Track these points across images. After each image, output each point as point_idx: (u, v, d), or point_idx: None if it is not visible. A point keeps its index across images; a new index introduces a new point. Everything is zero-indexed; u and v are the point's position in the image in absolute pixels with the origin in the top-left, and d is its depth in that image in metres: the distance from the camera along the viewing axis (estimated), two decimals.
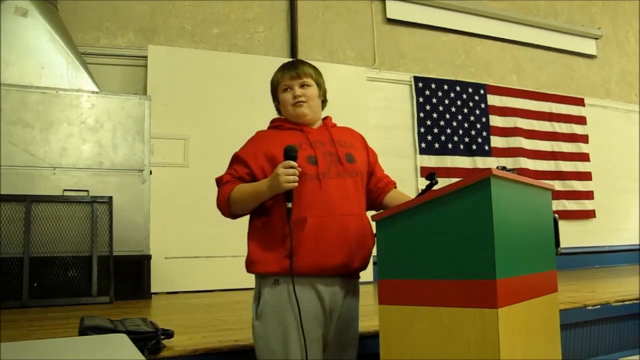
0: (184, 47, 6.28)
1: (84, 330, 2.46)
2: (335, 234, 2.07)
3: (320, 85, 2.32)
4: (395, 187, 2.46)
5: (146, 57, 5.92)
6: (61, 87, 4.99)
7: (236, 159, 2.23)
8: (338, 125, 2.43)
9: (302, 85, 2.24)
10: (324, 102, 2.38)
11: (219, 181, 2.20)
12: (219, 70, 6.10)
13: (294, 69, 2.27)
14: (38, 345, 1.48)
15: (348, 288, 2.18)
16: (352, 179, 2.17)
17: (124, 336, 1.67)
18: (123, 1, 6.14)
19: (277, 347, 2.01)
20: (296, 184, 2.00)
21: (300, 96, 2.22)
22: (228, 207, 2.16)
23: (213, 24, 6.56)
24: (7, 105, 4.74)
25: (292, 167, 2.00)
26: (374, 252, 2.10)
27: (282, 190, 2.00)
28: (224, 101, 5.99)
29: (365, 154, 2.37)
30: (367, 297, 4.96)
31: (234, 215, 2.20)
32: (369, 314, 3.74)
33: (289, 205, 2.02)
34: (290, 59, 6.67)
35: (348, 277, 2.17)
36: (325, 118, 2.39)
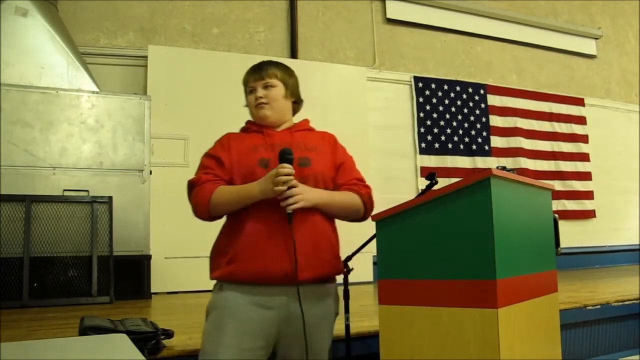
0: (184, 47, 6.28)
1: (84, 330, 2.46)
2: (279, 240, 1.93)
3: (289, 86, 2.20)
4: (357, 192, 2.16)
5: (146, 57, 5.92)
6: (61, 87, 5.00)
7: (209, 157, 2.13)
8: (317, 129, 2.30)
9: (266, 87, 2.15)
10: (296, 102, 2.26)
11: (196, 182, 2.06)
12: (219, 70, 6.10)
13: (258, 70, 2.18)
14: (38, 345, 1.48)
15: (305, 298, 1.93)
16: (304, 184, 1.99)
17: (124, 336, 1.67)
18: (123, 1, 6.14)
19: (211, 349, 1.93)
20: (284, 188, 1.90)
21: (261, 97, 2.14)
22: (207, 208, 2.02)
23: (213, 24, 6.56)
24: (7, 105, 4.74)
25: (287, 172, 1.91)
26: (374, 252, 2.10)
27: (273, 195, 1.91)
28: (224, 101, 5.98)
29: (330, 158, 2.16)
30: (367, 297, 4.98)
31: (212, 217, 2.07)
32: (369, 314, 3.75)
33: (289, 210, 1.91)
34: (291, 59, 6.70)
35: (305, 285, 1.95)
36: (302, 121, 2.27)
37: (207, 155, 2.15)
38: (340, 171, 2.16)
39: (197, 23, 6.47)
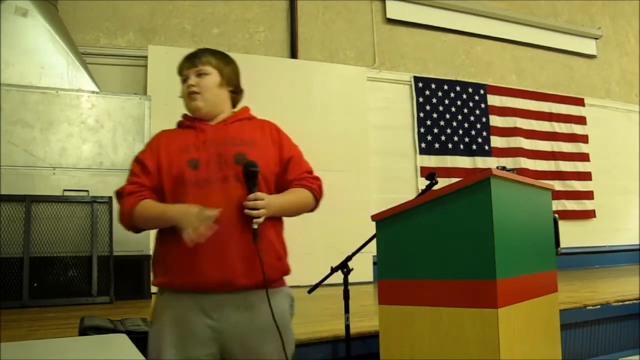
0: (184, 47, 6.27)
1: (84, 330, 2.46)
2: (209, 246, 1.78)
3: (224, 73, 2.02)
4: (309, 188, 2.03)
5: (146, 57, 5.92)
6: (61, 87, 4.99)
7: (137, 162, 1.97)
8: (259, 117, 2.13)
9: (199, 74, 1.98)
10: (235, 92, 2.08)
11: (120, 193, 1.92)
12: None
13: (191, 58, 2.02)
14: (38, 345, 1.48)
15: (248, 304, 1.84)
16: (240, 183, 1.85)
17: (124, 336, 1.67)
18: (123, 1, 6.14)
19: (152, 356, 1.83)
20: (201, 239, 1.73)
21: (193, 86, 1.97)
22: (130, 223, 1.90)
23: (213, 24, 6.55)
24: (7, 105, 4.74)
25: (252, 205, 1.79)
26: (374, 252, 2.10)
27: (194, 235, 1.74)
28: None
29: (273, 151, 1.99)
30: (367, 297, 4.98)
31: (138, 230, 1.95)
32: (369, 314, 3.75)
33: (254, 226, 1.79)
34: (291, 59, 6.69)
35: (246, 291, 1.84)
36: (240, 109, 2.11)
37: (135, 159, 1.99)
38: (289, 166, 2.01)
39: (197, 23, 6.47)
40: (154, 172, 1.91)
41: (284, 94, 6.36)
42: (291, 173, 2.00)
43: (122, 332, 2.35)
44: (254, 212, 1.79)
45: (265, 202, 1.81)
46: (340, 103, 6.70)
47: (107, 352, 1.54)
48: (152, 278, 1.94)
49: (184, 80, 2.01)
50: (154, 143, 2.00)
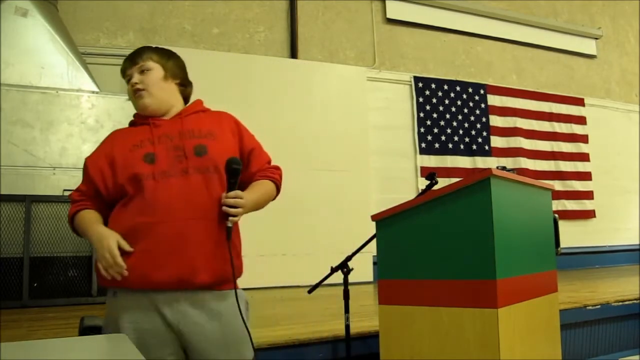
0: (184, 47, 6.27)
1: (84, 330, 2.46)
2: (166, 242, 1.73)
3: (167, 67, 1.97)
4: (272, 179, 2.02)
5: None
6: (61, 87, 4.99)
7: (85, 167, 1.94)
8: (213, 109, 2.09)
9: (142, 71, 1.92)
10: (183, 85, 2.03)
11: (70, 199, 1.92)
12: (219, 70, 6.10)
13: (132, 56, 1.96)
14: (38, 345, 1.48)
15: (205, 303, 1.80)
16: (201, 175, 1.81)
17: (124, 336, 1.67)
18: (123, 1, 6.14)
19: None
20: (108, 277, 1.71)
21: (137, 83, 1.90)
22: (74, 231, 1.90)
23: (213, 24, 6.55)
24: (7, 105, 4.74)
25: (233, 203, 1.77)
26: (374, 252, 2.10)
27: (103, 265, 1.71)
28: (225, 101, 5.96)
29: (233, 143, 1.96)
30: (367, 297, 4.98)
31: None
32: (369, 314, 3.75)
33: (228, 224, 1.76)
34: (291, 59, 6.69)
35: (205, 290, 1.80)
36: (193, 102, 2.06)
37: (85, 164, 1.95)
38: (251, 159, 1.99)
39: (197, 23, 6.47)
40: (107, 176, 1.85)
41: (284, 94, 6.36)
42: (254, 165, 1.99)
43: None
44: (233, 210, 1.77)
45: (244, 200, 1.79)
46: (340, 103, 6.70)
47: (107, 352, 1.54)
48: (98, 279, 1.83)
49: (128, 80, 1.94)
50: (107, 144, 1.95)
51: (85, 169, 1.93)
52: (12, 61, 4.85)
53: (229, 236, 1.76)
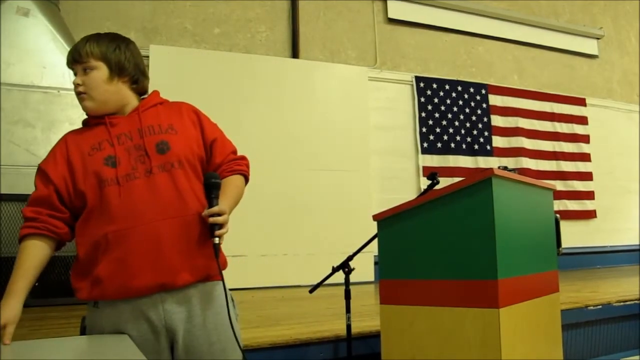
0: (185, 47, 6.28)
1: (84, 330, 2.46)
2: (141, 247, 1.66)
3: (113, 64, 1.78)
4: (241, 173, 1.94)
5: (148, 57, 5.92)
6: (63, 86, 4.99)
7: (40, 174, 1.79)
8: (170, 100, 1.97)
9: (85, 70, 1.76)
10: (135, 83, 1.85)
11: (23, 214, 1.77)
12: (220, 70, 6.10)
13: (73, 50, 1.77)
14: (39, 345, 1.48)
15: (191, 301, 1.75)
16: (166, 173, 1.73)
17: (125, 336, 1.67)
18: (124, 1, 6.14)
19: None
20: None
21: (79, 85, 1.77)
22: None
23: (214, 24, 6.55)
24: (8, 104, 4.74)
25: (222, 220, 1.70)
26: (375, 251, 2.09)
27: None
28: (226, 101, 5.99)
29: (195, 135, 1.87)
30: (368, 296, 4.97)
31: None
32: (370, 313, 3.75)
33: (216, 240, 1.69)
34: (292, 59, 6.69)
35: (188, 287, 1.75)
36: (149, 96, 1.91)
37: (41, 170, 1.79)
38: (214, 149, 1.89)
39: (198, 23, 6.47)
40: (68, 182, 1.73)
41: (285, 94, 6.36)
42: (217, 156, 1.89)
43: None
44: (223, 231, 1.70)
45: (227, 215, 1.72)
46: (341, 103, 6.70)
47: (108, 352, 1.53)
48: (76, 293, 1.74)
49: (75, 74, 1.79)
50: (60, 149, 1.81)
51: (43, 176, 1.77)
52: (13, 61, 4.86)
53: (217, 254, 1.69)
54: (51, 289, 4.55)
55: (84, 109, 1.81)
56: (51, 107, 4.91)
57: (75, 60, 1.76)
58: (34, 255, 1.72)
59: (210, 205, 1.71)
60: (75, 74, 1.79)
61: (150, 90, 1.94)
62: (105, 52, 1.77)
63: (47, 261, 1.74)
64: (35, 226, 1.72)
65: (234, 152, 1.96)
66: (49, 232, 1.73)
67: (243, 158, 1.97)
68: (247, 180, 1.97)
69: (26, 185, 4.69)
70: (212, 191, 1.72)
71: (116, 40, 1.82)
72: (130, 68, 1.81)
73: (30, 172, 4.70)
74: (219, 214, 1.69)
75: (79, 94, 1.79)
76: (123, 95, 1.82)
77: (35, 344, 1.50)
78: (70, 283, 1.78)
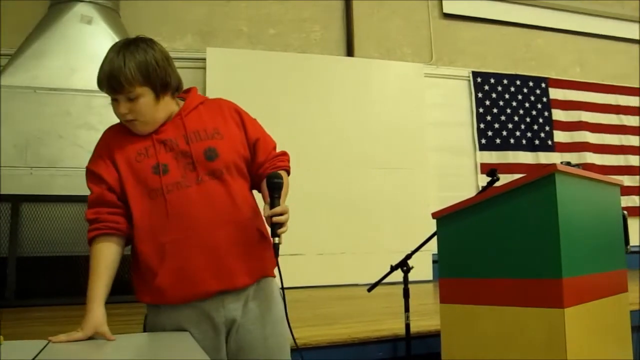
0: (241, 49, 6.37)
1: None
2: (200, 255, 1.67)
3: (156, 85, 1.71)
4: (284, 169, 1.92)
5: (204, 59, 6.04)
6: None
7: (90, 176, 1.82)
8: (210, 98, 1.94)
9: (129, 99, 1.71)
10: (177, 90, 1.82)
11: (87, 219, 1.79)
12: (276, 70, 6.16)
13: (110, 82, 1.70)
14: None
15: (247, 297, 1.78)
16: (216, 180, 1.73)
17: (187, 334, 1.70)
18: (181, 6, 6.28)
19: None
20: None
21: (126, 114, 1.73)
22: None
23: (269, 24, 6.62)
24: (74, 109, 4.93)
25: (285, 219, 1.69)
26: (433, 250, 2.07)
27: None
28: (282, 101, 6.04)
29: (240, 136, 1.84)
30: (427, 295, 4.92)
31: None
32: (429, 312, 3.71)
33: (276, 240, 1.67)
34: (347, 57, 6.68)
35: (248, 288, 1.78)
36: (189, 97, 1.87)
37: (92, 171, 1.82)
38: (257, 148, 1.86)
39: (253, 24, 6.55)
40: (112, 183, 1.75)
41: (340, 93, 6.37)
42: (261, 154, 1.87)
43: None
44: (284, 229, 1.68)
45: (288, 214, 1.70)
46: (397, 100, 6.66)
47: (171, 348, 1.57)
48: (137, 295, 1.79)
49: (113, 99, 1.76)
50: (104, 151, 1.80)
51: (94, 176, 1.80)
52: (78, 67, 5.03)
53: (277, 254, 1.68)
54: (114, 287, 4.68)
55: (137, 132, 1.76)
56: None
57: (115, 90, 1.69)
58: (105, 256, 1.72)
59: (273, 205, 1.69)
60: (113, 98, 1.74)
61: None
62: (147, 75, 1.69)
63: (119, 258, 1.75)
64: (98, 227, 1.73)
65: (275, 147, 1.94)
66: (113, 230, 1.72)
67: (284, 153, 1.96)
68: (288, 175, 1.96)
69: (79, 185, 4.88)
70: (274, 191, 1.71)
71: (145, 55, 1.72)
72: (172, 81, 1.77)
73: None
74: (281, 214, 1.68)
75: (128, 122, 1.75)
76: (170, 106, 1.79)
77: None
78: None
